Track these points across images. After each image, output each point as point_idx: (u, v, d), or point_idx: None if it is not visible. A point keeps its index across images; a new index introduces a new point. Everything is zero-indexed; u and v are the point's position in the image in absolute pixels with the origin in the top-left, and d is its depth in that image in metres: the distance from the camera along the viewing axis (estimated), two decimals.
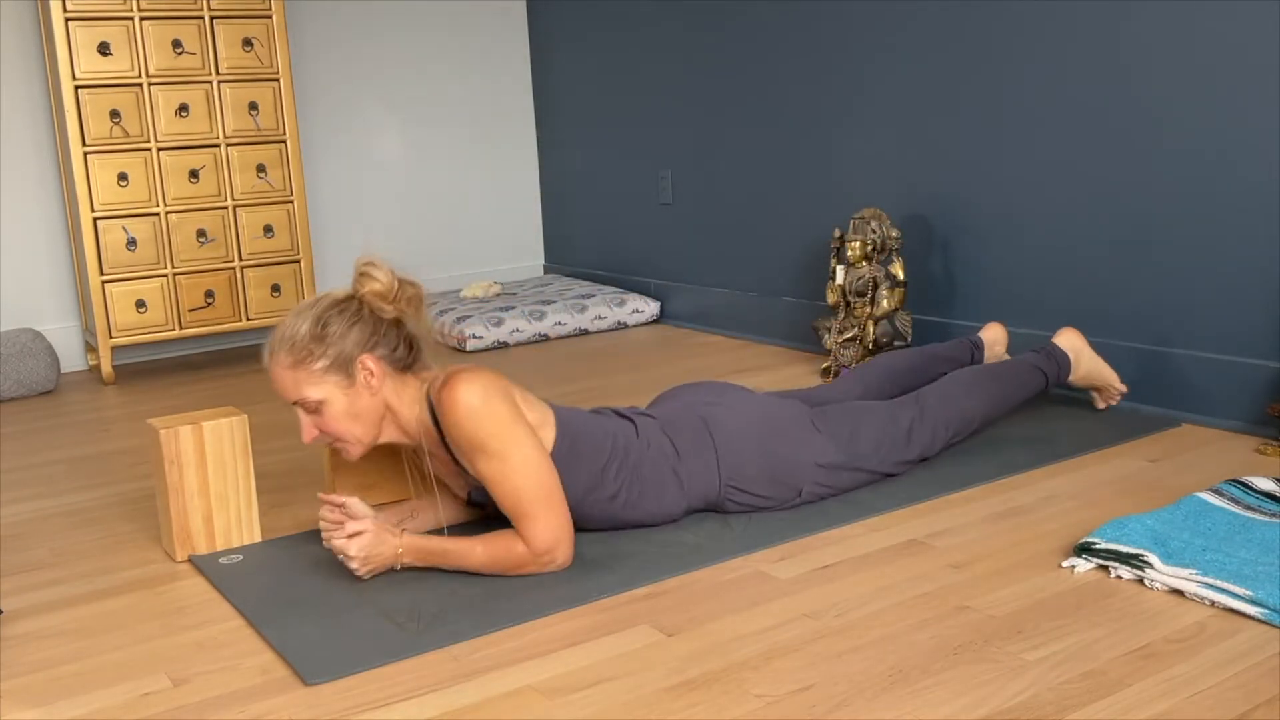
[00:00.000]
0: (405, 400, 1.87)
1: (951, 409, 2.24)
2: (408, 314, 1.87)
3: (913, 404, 2.22)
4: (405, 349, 1.88)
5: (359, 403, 1.83)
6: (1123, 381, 2.58)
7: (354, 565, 1.80)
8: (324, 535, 1.83)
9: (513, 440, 1.77)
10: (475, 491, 1.93)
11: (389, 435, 1.90)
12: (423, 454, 1.94)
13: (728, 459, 2.00)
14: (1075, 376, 2.46)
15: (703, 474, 1.99)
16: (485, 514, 2.04)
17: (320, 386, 1.81)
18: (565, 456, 1.87)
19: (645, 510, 1.97)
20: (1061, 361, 2.42)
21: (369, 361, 1.83)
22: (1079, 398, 2.66)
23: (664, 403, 2.12)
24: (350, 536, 1.79)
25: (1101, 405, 2.57)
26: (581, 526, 1.96)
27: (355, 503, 1.80)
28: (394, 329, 1.87)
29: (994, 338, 2.57)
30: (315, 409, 1.83)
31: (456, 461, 1.87)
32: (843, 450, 2.09)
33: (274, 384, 1.86)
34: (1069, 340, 2.47)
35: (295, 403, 1.84)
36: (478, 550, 1.81)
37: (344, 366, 1.82)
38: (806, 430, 2.06)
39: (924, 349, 2.51)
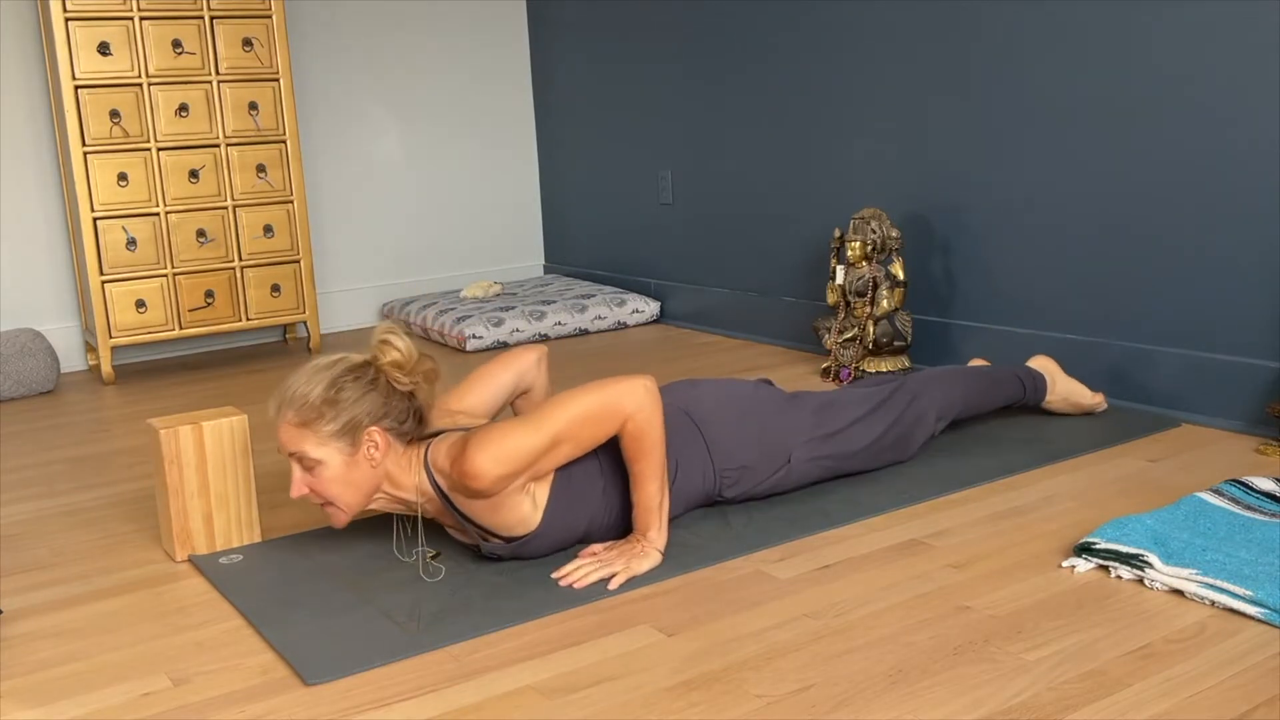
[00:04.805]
0: (405, 469, 1.85)
1: (934, 389, 2.31)
2: (421, 387, 1.86)
3: (894, 380, 2.31)
4: (414, 422, 1.86)
5: (356, 471, 1.81)
6: (1096, 391, 2.64)
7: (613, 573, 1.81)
8: (581, 578, 1.82)
9: (541, 438, 1.76)
10: (485, 546, 1.89)
11: (381, 505, 1.89)
12: (416, 513, 1.92)
13: (717, 444, 2.01)
14: (1054, 396, 2.52)
15: (698, 467, 2.00)
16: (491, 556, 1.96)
17: (322, 448, 1.79)
18: (563, 492, 1.86)
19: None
20: (1038, 379, 2.50)
21: (376, 434, 1.81)
22: None
23: None
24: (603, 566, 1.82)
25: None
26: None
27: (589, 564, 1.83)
28: (404, 400, 1.85)
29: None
30: (311, 468, 1.81)
31: (465, 520, 1.85)
32: (825, 415, 2.14)
33: (277, 436, 1.85)
34: (1042, 363, 2.55)
35: (292, 454, 1.82)
36: (637, 468, 1.82)
37: (351, 434, 1.80)
38: (784, 400, 2.12)
39: None
